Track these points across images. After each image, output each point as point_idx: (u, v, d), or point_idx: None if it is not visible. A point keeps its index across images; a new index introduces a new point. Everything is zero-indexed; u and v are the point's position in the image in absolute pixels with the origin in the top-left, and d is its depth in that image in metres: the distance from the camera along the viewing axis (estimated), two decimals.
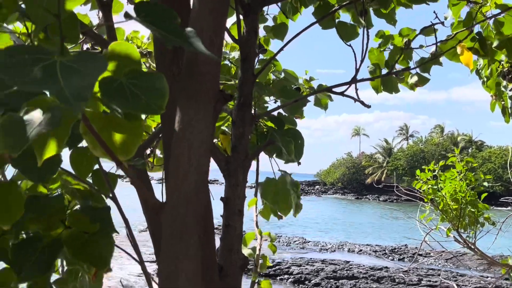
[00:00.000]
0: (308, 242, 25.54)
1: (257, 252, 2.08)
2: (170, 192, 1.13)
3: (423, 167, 5.15)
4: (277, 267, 17.91)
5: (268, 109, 2.93)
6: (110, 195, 1.46)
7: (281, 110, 2.37)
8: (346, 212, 46.86)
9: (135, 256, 1.48)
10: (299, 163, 2.23)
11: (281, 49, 2.10)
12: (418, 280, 17.18)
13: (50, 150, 1.07)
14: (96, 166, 1.62)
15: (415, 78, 2.98)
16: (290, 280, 17.39)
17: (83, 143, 1.60)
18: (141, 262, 1.42)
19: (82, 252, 1.24)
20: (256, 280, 2.12)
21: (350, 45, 2.36)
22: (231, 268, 1.68)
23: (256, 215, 2.14)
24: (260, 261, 2.08)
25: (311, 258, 20.57)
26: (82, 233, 1.27)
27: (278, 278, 17.33)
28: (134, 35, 3.24)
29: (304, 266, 18.89)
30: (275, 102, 2.97)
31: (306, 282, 17.39)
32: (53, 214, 1.29)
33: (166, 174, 1.39)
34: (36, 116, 0.93)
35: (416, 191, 5.30)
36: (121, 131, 1.10)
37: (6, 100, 1.22)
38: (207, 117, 1.11)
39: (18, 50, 0.84)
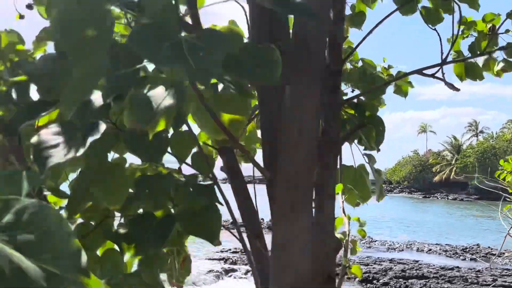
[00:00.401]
0: (375, 241, 25.08)
1: (347, 237, 2.09)
2: (281, 164, 1.16)
3: (507, 157, 4.94)
4: None
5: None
6: (210, 175, 1.51)
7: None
8: (414, 211, 45.62)
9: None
10: (378, 150, 2.22)
11: (367, 35, 2.10)
12: (492, 280, 16.48)
13: (160, 125, 1.13)
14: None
15: (501, 64, 2.88)
16: (357, 279, 17.13)
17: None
18: (241, 239, 1.46)
19: (193, 227, 1.30)
20: (347, 265, 2.12)
21: (435, 29, 2.33)
22: (325, 251, 1.69)
23: (343, 201, 2.14)
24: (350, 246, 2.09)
25: (378, 257, 20.20)
26: (192, 208, 1.33)
27: (345, 277, 17.11)
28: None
29: (371, 265, 18.59)
30: (352, 91, 2.95)
31: (374, 281, 17.10)
32: (162, 193, 1.35)
33: (265, 148, 1.41)
34: (159, 92, 0.99)
35: (500, 184, 5.09)
36: (229, 109, 1.15)
37: (116, 83, 1.29)
38: (316, 91, 1.13)
39: (148, 27, 0.89)
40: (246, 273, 17.39)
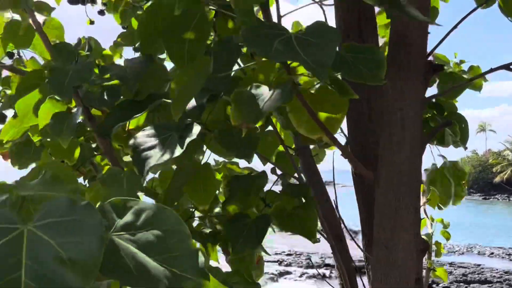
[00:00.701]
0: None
1: (431, 239, 2.04)
2: (383, 164, 1.14)
3: None
4: None
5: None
6: (295, 174, 1.51)
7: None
8: (473, 213, 44.09)
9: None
10: (465, 148, 2.16)
11: (449, 32, 2.03)
12: None
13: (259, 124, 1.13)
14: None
15: None
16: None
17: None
18: (328, 239, 1.45)
19: (289, 225, 1.31)
20: (431, 267, 2.08)
21: None
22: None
23: (425, 202, 2.10)
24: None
25: (438, 261, 19.59)
26: (287, 207, 1.34)
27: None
28: None
29: None
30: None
31: (434, 285, 16.65)
32: (254, 192, 1.36)
33: (353, 148, 1.40)
34: (264, 91, 1.00)
35: None
36: (327, 107, 1.14)
37: (210, 86, 1.31)
38: (417, 87, 1.11)
39: (260, 26, 0.90)
40: (301, 276, 17.30)
